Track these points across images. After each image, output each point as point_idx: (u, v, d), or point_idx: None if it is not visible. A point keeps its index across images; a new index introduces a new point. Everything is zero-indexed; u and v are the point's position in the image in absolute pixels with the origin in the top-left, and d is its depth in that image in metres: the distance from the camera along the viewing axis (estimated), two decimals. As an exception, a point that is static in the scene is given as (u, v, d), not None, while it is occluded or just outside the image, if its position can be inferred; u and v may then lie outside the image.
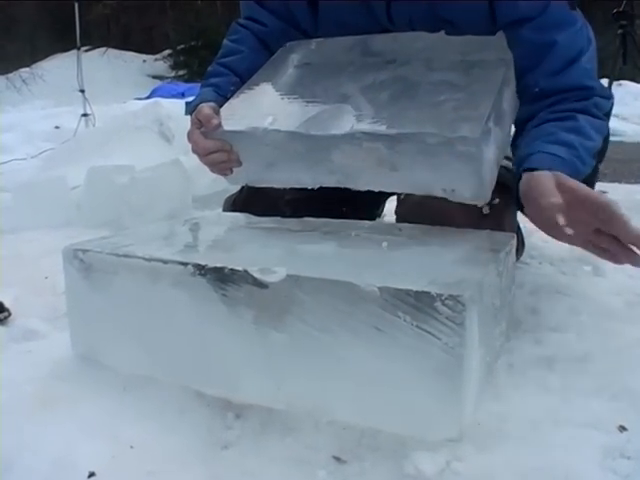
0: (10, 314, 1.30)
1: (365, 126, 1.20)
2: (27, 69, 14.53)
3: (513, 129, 1.35)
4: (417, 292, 0.80)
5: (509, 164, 1.30)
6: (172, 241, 1.19)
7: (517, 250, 1.24)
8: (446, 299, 0.78)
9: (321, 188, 1.31)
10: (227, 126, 1.32)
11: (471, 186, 1.15)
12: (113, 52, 16.39)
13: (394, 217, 1.44)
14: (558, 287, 1.44)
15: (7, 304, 1.31)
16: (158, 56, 16.51)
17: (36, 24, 15.40)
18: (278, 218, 1.31)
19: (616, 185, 3.21)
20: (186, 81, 12.34)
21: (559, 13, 1.26)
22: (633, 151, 5.30)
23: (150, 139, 2.82)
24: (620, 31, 5.12)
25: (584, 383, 0.99)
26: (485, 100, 1.17)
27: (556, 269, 1.57)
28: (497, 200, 1.29)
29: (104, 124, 4.03)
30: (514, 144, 1.29)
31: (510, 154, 1.30)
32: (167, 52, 16.27)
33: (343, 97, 1.32)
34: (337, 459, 0.82)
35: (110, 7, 16.43)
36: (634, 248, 0.99)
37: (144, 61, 16.65)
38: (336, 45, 1.49)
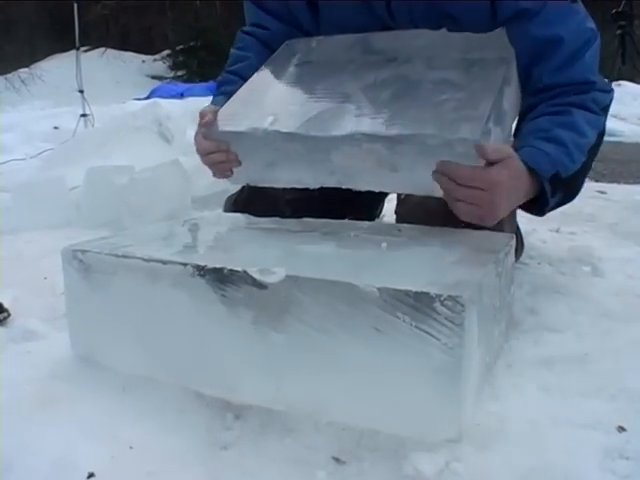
0: (9, 315, 1.30)
1: (365, 127, 1.20)
2: (26, 69, 14.52)
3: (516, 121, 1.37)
4: (416, 293, 0.80)
5: None
6: (171, 242, 1.19)
7: (516, 250, 1.25)
8: (445, 300, 0.78)
9: (321, 188, 1.31)
10: (227, 127, 1.33)
11: None
12: (112, 52, 16.39)
13: (394, 217, 1.45)
14: (557, 287, 1.44)
15: (6, 305, 1.31)
16: (157, 56, 16.51)
17: (35, 24, 15.40)
18: (277, 218, 1.31)
19: (615, 186, 3.21)
20: (185, 81, 12.35)
21: (562, 6, 1.27)
22: (632, 151, 5.31)
23: (149, 139, 2.82)
24: (619, 31, 5.15)
25: (583, 383, 0.99)
26: (485, 100, 1.18)
27: (555, 269, 1.57)
28: None
29: (103, 124, 4.03)
30: (514, 134, 1.33)
31: None
32: (166, 52, 16.27)
33: (344, 96, 1.33)
34: (336, 460, 0.82)
35: (109, 7, 16.42)
36: None
37: (143, 61, 16.65)
38: (337, 43, 1.49)
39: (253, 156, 1.33)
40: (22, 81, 14.12)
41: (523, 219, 1.53)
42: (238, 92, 1.42)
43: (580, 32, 1.28)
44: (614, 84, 5.77)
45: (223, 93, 1.49)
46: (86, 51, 12.82)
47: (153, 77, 15.41)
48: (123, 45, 16.92)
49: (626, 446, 0.83)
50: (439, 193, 1.16)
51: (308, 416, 0.88)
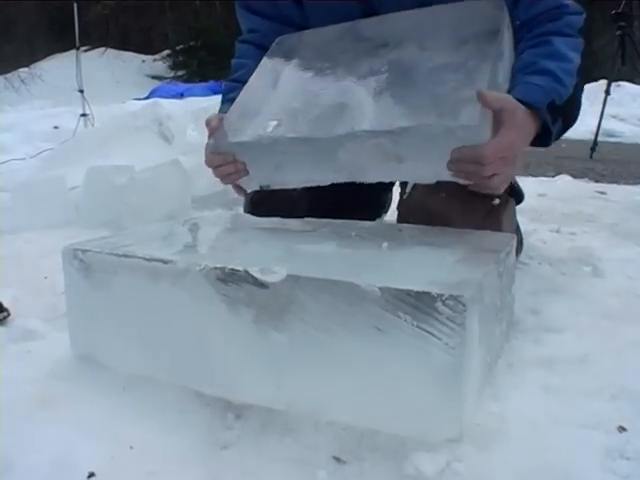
0: (9, 314, 1.30)
1: (367, 123, 1.20)
2: (26, 69, 14.55)
3: None
4: (418, 292, 0.80)
5: None
6: (172, 241, 1.19)
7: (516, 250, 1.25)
8: (447, 299, 0.78)
9: (330, 186, 1.32)
10: (232, 138, 1.33)
11: None
12: (112, 52, 16.42)
13: (393, 218, 1.45)
14: (557, 288, 1.44)
15: (6, 304, 1.31)
16: (157, 56, 16.54)
17: (35, 24, 15.42)
18: (278, 218, 1.31)
19: (615, 186, 3.22)
20: (185, 81, 12.38)
21: None
22: (631, 152, 5.31)
23: (149, 139, 2.82)
24: (619, 32, 5.14)
25: (583, 383, 0.99)
26: (480, 79, 1.18)
27: (555, 269, 1.57)
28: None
29: (103, 124, 4.04)
30: None
31: None
32: (166, 52, 16.30)
33: (343, 90, 1.32)
34: (337, 459, 0.82)
35: (109, 7, 16.44)
36: None
37: (143, 61, 16.68)
38: (326, 35, 1.49)
39: (261, 162, 1.33)
40: (22, 81, 14.14)
41: (524, 219, 1.54)
42: (238, 99, 1.42)
43: None
44: (614, 85, 5.77)
45: (229, 100, 1.49)
46: (86, 51, 12.84)
47: (153, 77, 15.44)
48: (123, 45, 16.95)
49: (626, 446, 0.83)
50: (448, 178, 1.17)
51: (309, 416, 0.88)
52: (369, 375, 0.84)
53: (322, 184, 1.32)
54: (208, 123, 1.39)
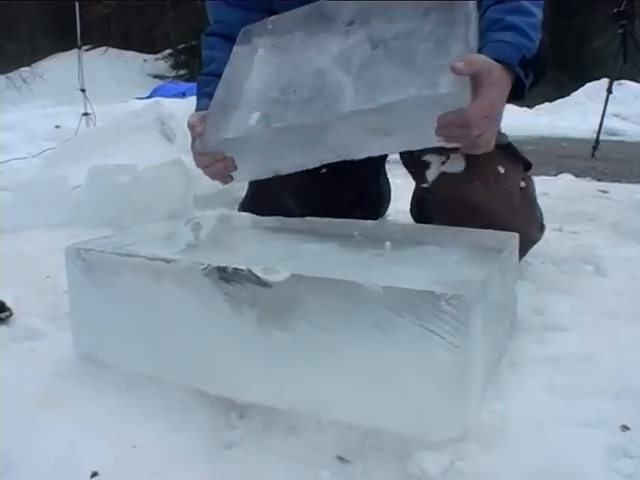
0: (12, 313, 1.30)
1: (349, 104, 1.21)
2: (27, 68, 14.56)
3: None
4: (421, 291, 0.80)
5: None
6: (174, 240, 1.19)
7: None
8: (450, 298, 0.78)
9: (324, 181, 1.32)
10: (218, 136, 1.33)
11: None
12: (114, 51, 16.43)
13: (396, 217, 1.45)
14: (560, 287, 1.44)
15: (8, 303, 1.31)
16: (159, 56, 16.55)
17: (36, 24, 15.43)
18: (281, 218, 1.31)
19: (617, 185, 3.22)
20: (187, 81, 12.37)
21: None
22: (634, 151, 5.31)
23: (151, 139, 2.81)
24: (620, 31, 5.14)
25: (587, 383, 0.99)
26: (453, 45, 1.19)
27: (558, 268, 1.57)
28: (523, 183, 1.48)
29: (105, 123, 4.04)
30: None
31: None
32: (168, 52, 16.32)
33: (319, 73, 1.33)
34: (341, 459, 0.81)
35: (110, 7, 16.45)
36: None
37: (145, 60, 16.69)
38: (291, 19, 1.48)
39: (249, 155, 1.34)
40: (24, 80, 14.15)
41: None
42: (215, 95, 1.41)
43: None
44: (615, 83, 5.77)
45: (205, 95, 1.50)
46: (88, 50, 12.83)
47: (155, 76, 15.45)
48: (125, 44, 16.97)
49: (630, 445, 0.83)
50: (437, 144, 1.21)
51: (312, 415, 0.88)
52: (372, 374, 0.84)
53: (312, 167, 1.33)
54: (190, 124, 1.39)
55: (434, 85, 1.14)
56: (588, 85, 9.33)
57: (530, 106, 9.56)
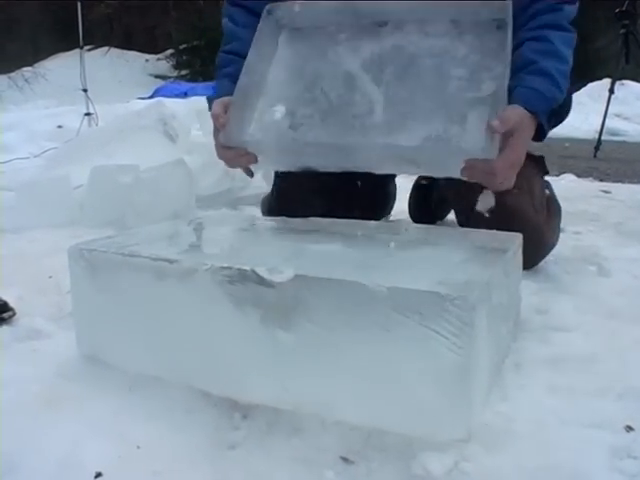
0: (15, 313, 1.29)
1: (381, 133, 1.25)
2: (30, 68, 14.56)
3: None
4: (425, 292, 0.80)
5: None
6: (177, 241, 1.19)
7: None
8: (455, 299, 0.78)
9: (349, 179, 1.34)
10: (243, 134, 1.33)
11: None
12: (116, 51, 16.43)
13: (398, 217, 1.45)
14: (563, 287, 1.44)
15: (11, 303, 1.31)
16: (161, 56, 16.55)
17: (38, 24, 15.43)
18: (284, 218, 1.31)
19: (619, 185, 3.22)
20: (189, 81, 12.38)
21: None
22: (636, 151, 5.31)
23: (154, 139, 2.81)
24: (623, 31, 5.13)
25: (590, 383, 0.99)
26: (487, 80, 1.24)
27: (561, 269, 1.57)
28: (547, 192, 1.58)
29: (107, 123, 4.03)
30: None
31: None
32: (170, 52, 16.31)
33: (348, 77, 1.34)
34: (344, 459, 0.81)
35: (112, 7, 16.45)
36: None
37: (147, 60, 16.68)
38: (321, 7, 1.46)
39: (273, 155, 1.36)
40: (26, 80, 14.16)
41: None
42: (239, 83, 1.39)
43: None
44: (617, 84, 5.77)
45: (226, 76, 1.49)
46: (90, 50, 12.82)
47: (157, 76, 15.45)
48: (127, 44, 16.97)
49: (634, 445, 0.83)
50: (460, 177, 1.23)
51: (316, 415, 0.88)
52: (376, 375, 0.84)
53: (337, 171, 1.35)
54: (214, 114, 1.38)
55: (468, 136, 1.20)
56: (590, 85, 9.32)
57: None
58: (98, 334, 1.08)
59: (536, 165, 1.57)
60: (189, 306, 0.96)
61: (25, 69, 14.52)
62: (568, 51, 1.34)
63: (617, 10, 5.14)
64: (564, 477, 0.77)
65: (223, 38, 1.60)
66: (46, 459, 0.82)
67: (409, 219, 2.05)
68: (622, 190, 2.97)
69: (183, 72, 15.51)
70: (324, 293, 0.85)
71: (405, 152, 1.23)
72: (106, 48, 16.31)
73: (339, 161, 1.31)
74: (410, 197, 2.11)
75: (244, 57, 1.43)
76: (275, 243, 1.14)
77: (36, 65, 14.90)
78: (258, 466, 0.81)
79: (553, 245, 1.57)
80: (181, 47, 15.91)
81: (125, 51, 16.78)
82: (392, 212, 2.10)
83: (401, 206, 2.11)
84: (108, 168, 2.29)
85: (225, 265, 0.92)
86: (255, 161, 1.36)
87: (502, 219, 1.33)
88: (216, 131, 1.39)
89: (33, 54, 15.21)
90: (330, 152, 1.29)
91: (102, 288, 1.05)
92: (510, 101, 1.23)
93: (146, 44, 16.96)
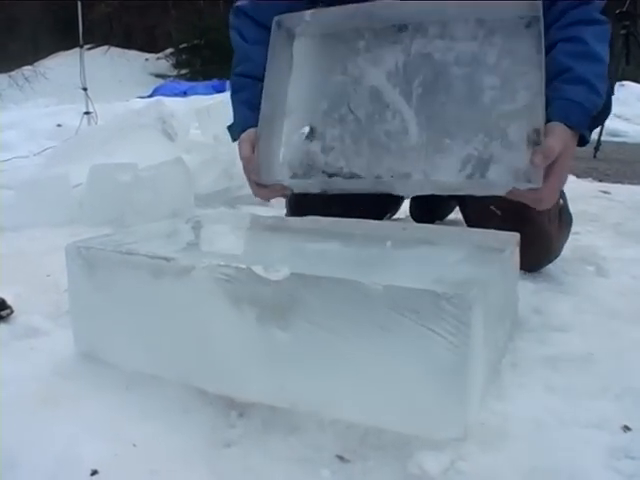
0: (12, 311, 1.29)
1: (421, 161, 1.25)
2: (30, 67, 14.57)
3: None
4: (422, 291, 0.80)
5: None
6: (175, 239, 1.19)
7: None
8: (452, 298, 0.78)
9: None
10: (277, 173, 1.34)
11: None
12: (115, 50, 16.43)
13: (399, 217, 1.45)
14: (561, 287, 1.44)
15: (9, 301, 1.31)
16: (160, 55, 16.55)
17: (39, 23, 15.44)
18: (282, 217, 1.31)
19: (619, 186, 3.22)
20: (188, 80, 12.38)
21: None
22: (636, 152, 5.30)
23: (153, 137, 2.81)
24: (623, 31, 5.12)
25: (588, 383, 0.99)
26: (521, 90, 1.21)
27: (559, 269, 1.57)
28: (561, 201, 1.51)
29: (107, 122, 4.04)
30: None
31: None
32: (169, 51, 16.31)
33: (375, 93, 1.31)
34: (341, 458, 0.81)
35: (113, 6, 16.45)
36: None
37: (146, 59, 16.69)
38: (334, 15, 1.37)
39: (311, 187, 1.35)
40: (26, 79, 14.17)
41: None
42: (262, 112, 1.34)
43: None
44: (618, 84, 5.76)
45: (243, 102, 1.46)
46: (89, 49, 12.83)
47: (156, 75, 15.45)
48: (126, 43, 16.98)
49: (631, 445, 0.83)
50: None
51: (312, 414, 0.88)
52: (373, 373, 0.84)
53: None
54: (244, 158, 1.36)
55: (509, 156, 1.19)
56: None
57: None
58: (95, 332, 1.08)
59: None
60: (186, 304, 0.96)
61: (25, 68, 14.52)
62: (604, 47, 1.29)
63: (617, 11, 5.13)
64: (561, 477, 0.77)
65: (234, 57, 1.55)
66: (43, 457, 0.81)
67: (409, 218, 2.05)
68: (621, 191, 2.97)
69: (183, 71, 15.51)
70: (321, 291, 0.85)
71: (448, 186, 1.23)
72: (106, 47, 16.31)
73: (375, 188, 1.30)
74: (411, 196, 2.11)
75: (258, 79, 1.39)
76: (273, 242, 1.14)
77: (36, 64, 14.90)
78: (254, 464, 0.81)
79: (559, 254, 1.57)
80: (181, 46, 15.90)
81: (125, 50, 16.78)
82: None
83: (402, 205, 2.11)
84: (107, 167, 2.29)
85: (222, 263, 0.92)
86: (291, 192, 1.36)
87: (515, 222, 1.28)
88: (247, 170, 1.37)
89: (33, 53, 15.22)
90: (367, 182, 1.28)
91: (99, 286, 1.05)
92: (548, 114, 1.18)
93: (146, 43, 16.97)
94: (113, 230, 1.71)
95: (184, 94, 7.25)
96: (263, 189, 1.36)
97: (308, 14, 1.37)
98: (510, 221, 1.27)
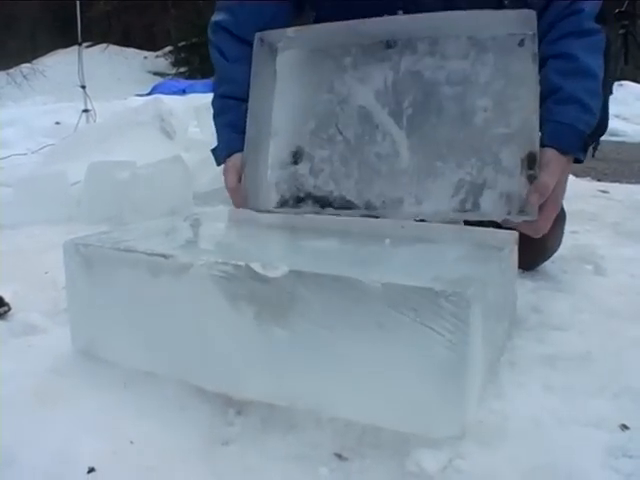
0: (10, 309, 1.29)
1: (412, 185, 1.24)
2: (28, 65, 14.55)
3: None
4: (421, 288, 0.79)
5: None
6: (173, 236, 1.19)
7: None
8: (450, 295, 0.78)
9: None
10: (266, 202, 1.33)
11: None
12: (114, 48, 16.42)
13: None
14: (560, 286, 1.44)
15: (7, 299, 1.31)
16: (159, 53, 16.54)
17: (37, 20, 15.42)
18: (280, 215, 1.30)
19: (617, 185, 3.22)
20: (187, 78, 12.37)
21: None
22: (634, 151, 5.30)
23: (151, 135, 2.81)
24: (622, 31, 5.13)
25: (586, 382, 0.99)
26: (516, 111, 1.18)
27: (557, 267, 1.57)
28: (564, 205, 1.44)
29: (105, 120, 4.04)
30: None
31: None
32: (168, 49, 16.30)
33: (363, 113, 1.28)
34: (338, 456, 0.81)
35: (111, 4, 16.44)
36: None
37: (145, 58, 16.67)
38: (319, 32, 1.34)
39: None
40: (24, 76, 14.15)
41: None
42: (247, 136, 1.32)
43: None
44: (616, 84, 5.76)
45: (226, 125, 1.43)
46: (88, 47, 12.80)
47: (155, 73, 15.43)
48: (125, 41, 16.96)
49: (629, 444, 0.83)
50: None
51: (310, 412, 0.87)
52: (371, 371, 0.84)
53: None
54: (230, 189, 1.35)
55: (510, 204, 1.19)
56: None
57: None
58: (93, 329, 1.08)
59: None
60: (184, 301, 0.95)
61: (23, 66, 14.50)
62: (596, 60, 1.24)
63: (616, 10, 5.14)
64: (559, 475, 0.77)
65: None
66: (40, 454, 0.81)
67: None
68: (620, 190, 2.97)
69: (182, 69, 15.50)
70: (319, 289, 0.85)
71: (442, 217, 1.22)
72: (105, 45, 16.29)
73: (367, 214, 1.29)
74: None
75: (241, 100, 1.36)
76: (271, 239, 1.14)
77: (34, 62, 14.89)
78: (252, 462, 0.81)
79: (555, 251, 1.57)
80: (180, 44, 15.89)
81: (124, 48, 16.77)
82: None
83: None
84: (105, 164, 2.29)
85: (220, 260, 0.91)
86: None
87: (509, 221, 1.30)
88: (235, 201, 1.36)
89: (32, 51, 15.20)
90: (359, 213, 1.27)
91: (97, 283, 1.05)
92: (541, 137, 1.17)
93: (145, 41, 16.96)
94: (111, 228, 1.70)
95: (183, 92, 7.23)
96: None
97: (291, 31, 1.34)
98: (504, 221, 1.27)
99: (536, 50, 1.15)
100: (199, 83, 9.07)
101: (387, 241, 1.06)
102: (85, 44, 6.79)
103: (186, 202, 2.29)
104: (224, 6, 1.51)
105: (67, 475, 0.78)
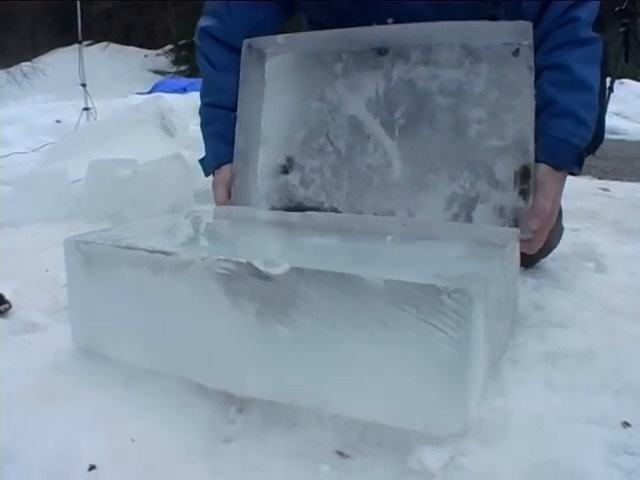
0: (10, 306, 1.29)
1: (405, 197, 1.23)
2: (28, 63, 14.54)
3: None
4: (423, 285, 0.79)
5: None
6: (174, 234, 1.19)
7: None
8: (452, 292, 0.77)
9: None
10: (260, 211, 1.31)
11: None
12: (114, 47, 16.40)
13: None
14: (561, 283, 1.44)
15: (7, 296, 1.31)
16: (160, 51, 16.51)
17: (38, 18, 15.41)
18: (281, 212, 1.30)
19: (618, 183, 3.22)
20: (188, 76, 12.32)
21: None
22: (634, 149, 5.31)
23: (152, 133, 2.81)
24: (622, 29, 5.12)
25: (588, 379, 0.99)
26: (510, 124, 1.16)
27: (558, 265, 1.57)
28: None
29: (105, 118, 4.03)
30: None
31: None
32: (169, 47, 16.27)
33: (355, 122, 1.26)
34: (340, 454, 0.81)
35: (112, 3, 16.43)
36: None
37: (146, 56, 16.65)
38: (310, 39, 1.32)
39: None
40: (24, 75, 14.13)
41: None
42: (236, 147, 1.32)
43: None
44: (617, 82, 5.76)
45: (214, 135, 1.43)
46: (88, 45, 12.78)
47: (155, 72, 15.41)
48: (126, 40, 16.94)
49: (631, 441, 0.83)
50: None
51: (312, 409, 0.87)
52: (373, 368, 0.84)
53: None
54: (217, 200, 1.36)
55: (497, 196, 1.17)
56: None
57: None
58: (93, 327, 1.08)
59: None
60: (185, 299, 0.95)
61: (24, 64, 14.48)
62: (592, 71, 1.22)
63: (617, 9, 5.13)
64: (560, 472, 0.77)
65: (202, 84, 1.50)
66: (41, 452, 0.81)
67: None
68: (620, 188, 2.97)
69: (182, 68, 15.45)
70: (320, 286, 0.85)
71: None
72: (105, 43, 16.26)
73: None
74: None
75: (229, 109, 1.35)
76: (272, 237, 1.14)
77: (35, 60, 14.87)
78: (254, 460, 0.81)
79: (554, 247, 1.56)
80: (180, 43, 15.84)
81: (124, 46, 16.74)
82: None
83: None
84: (106, 162, 2.29)
85: (221, 257, 0.91)
86: None
87: None
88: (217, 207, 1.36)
89: (32, 49, 15.19)
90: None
91: (98, 280, 1.04)
92: (535, 151, 1.15)
93: (145, 40, 16.93)
94: (112, 225, 1.70)
95: (184, 90, 7.22)
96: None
97: (281, 38, 1.32)
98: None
99: (532, 61, 1.13)
100: (199, 81, 9.05)
101: (389, 238, 1.06)
102: (85, 42, 6.79)
103: (187, 200, 2.29)
104: (211, 10, 1.51)
105: (68, 473, 0.78)
